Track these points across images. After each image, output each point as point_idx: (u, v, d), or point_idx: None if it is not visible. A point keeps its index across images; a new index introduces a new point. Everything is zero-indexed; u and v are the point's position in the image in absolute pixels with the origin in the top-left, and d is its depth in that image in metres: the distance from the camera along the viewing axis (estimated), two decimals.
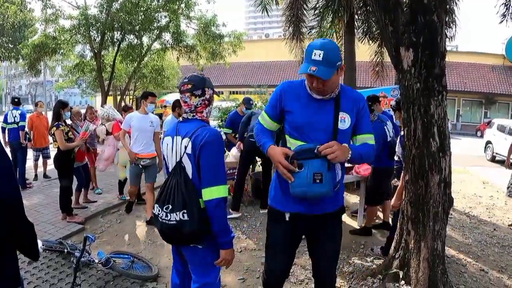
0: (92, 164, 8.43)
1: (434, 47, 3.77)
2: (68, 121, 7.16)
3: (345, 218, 6.62)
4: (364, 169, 6.40)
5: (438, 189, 3.86)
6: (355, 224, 6.79)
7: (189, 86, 2.76)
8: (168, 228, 2.67)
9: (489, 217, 7.87)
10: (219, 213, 2.63)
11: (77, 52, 20.82)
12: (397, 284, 4.19)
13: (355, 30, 10.10)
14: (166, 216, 2.65)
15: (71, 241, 5.59)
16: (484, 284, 4.84)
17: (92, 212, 7.21)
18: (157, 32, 18.61)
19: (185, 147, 2.68)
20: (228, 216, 6.46)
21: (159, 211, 2.71)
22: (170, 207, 2.63)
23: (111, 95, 26.34)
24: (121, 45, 18.60)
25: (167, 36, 19.67)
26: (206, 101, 2.82)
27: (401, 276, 4.17)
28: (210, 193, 2.58)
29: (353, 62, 9.36)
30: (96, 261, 4.62)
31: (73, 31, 17.54)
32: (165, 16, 18.57)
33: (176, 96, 26.26)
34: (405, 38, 3.88)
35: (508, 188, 7.92)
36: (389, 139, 5.73)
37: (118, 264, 4.73)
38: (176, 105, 7.36)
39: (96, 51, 18.28)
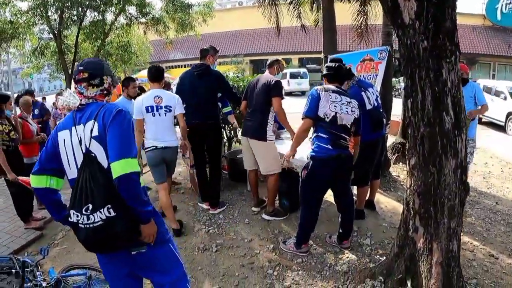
0: None
1: None
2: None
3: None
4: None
5: (454, 176, 3.03)
6: None
7: (85, 75, 2.48)
8: (95, 232, 2.29)
9: (487, 188, 7.35)
10: (135, 188, 2.31)
11: (37, 35, 19.47)
12: None
13: None
14: (88, 219, 2.27)
15: (27, 253, 5.12)
16: (496, 273, 4.26)
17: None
18: (120, 6, 17.37)
19: (91, 131, 2.37)
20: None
21: (77, 217, 2.31)
22: (91, 206, 2.26)
23: None
24: (83, 23, 17.37)
25: (131, 10, 18.41)
26: (104, 91, 2.55)
27: (409, 285, 3.38)
28: (125, 166, 2.25)
29: (332, 22, 8.40)
30: (44, 284, 3.77)
31: (30, 12, 16.23)
32: None
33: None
34: None
35: None
36: (369, 107, 4.95)
37: (72, 283, 3.91)
38: (124, 84, 6.44)
39: (55, 31, 17.07)
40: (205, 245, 4.87)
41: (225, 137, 8.07)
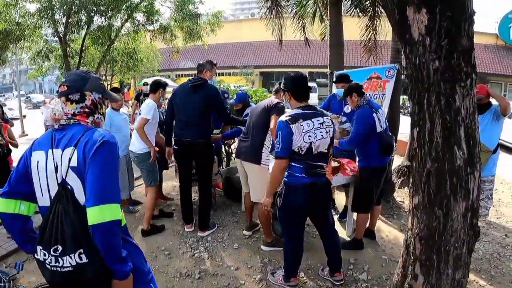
0: None
1: (459, 7, 2.45)
2: None
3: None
4: (354, 166, 5.35)
5: (463, 221, 2.62)
6: (343, 233, 5.59)
7: (64, 88, 2.16)
8: (62, 277, 1.96)
9: (497, 218, 6.80)
10: (112, 240, 1.92)
11: (43, 37, 19.41)
12: None
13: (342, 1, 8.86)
14: (57, 261, 1.93)
15: (5, 264, 4.84)
16: None
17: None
18: (128, 13, 17.21)
19: (69, 160, 1.99)
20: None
21: (44, 256, 1.97)
22: (61, 248, 1.92)
23: None
24: (90, 28, 17.25)
25: (139, 17, 18.29)
26: (86, 109, 2.19)
27: None
28: (101, 214, 1.87)
29: (340, 36, 8.10)
30: None
31: (37, 15, 16.17)
32: None
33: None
34: None
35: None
36: (379, 129, 4.64)
37: None
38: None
39: (61, 35, 16.96)
40: (188, 270, 4.53)
41: (224, 153, 7.74)
